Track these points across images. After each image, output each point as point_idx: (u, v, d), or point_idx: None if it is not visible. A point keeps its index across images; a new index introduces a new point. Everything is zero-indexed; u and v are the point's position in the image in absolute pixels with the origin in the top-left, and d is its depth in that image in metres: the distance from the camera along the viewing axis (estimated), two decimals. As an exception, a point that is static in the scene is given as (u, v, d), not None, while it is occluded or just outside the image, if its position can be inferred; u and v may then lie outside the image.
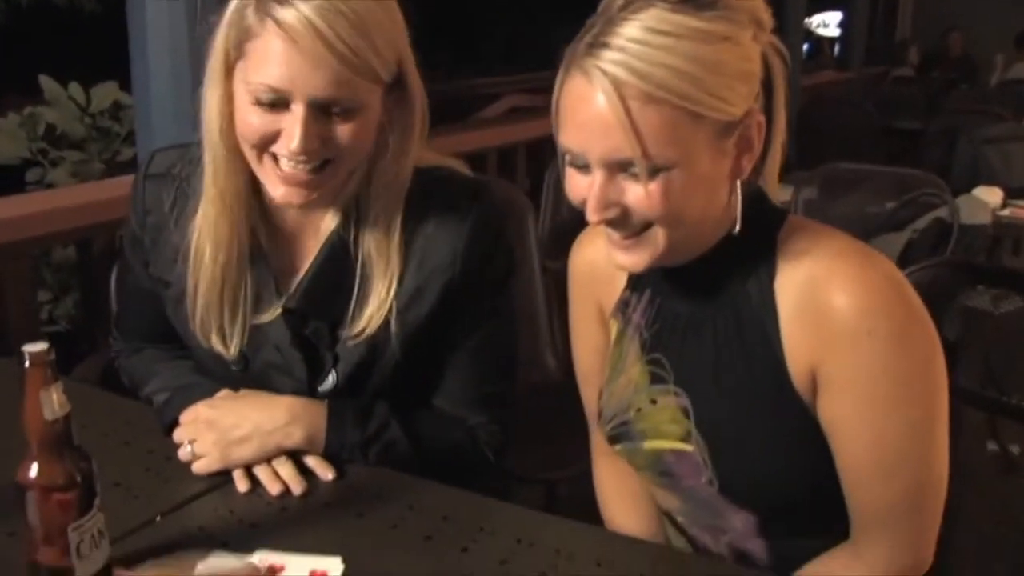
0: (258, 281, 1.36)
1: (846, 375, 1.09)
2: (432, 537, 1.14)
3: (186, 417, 1.33)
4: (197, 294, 1.34)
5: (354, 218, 1.34)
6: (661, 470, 1.25)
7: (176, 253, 1.38)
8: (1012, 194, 3.69)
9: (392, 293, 1.32)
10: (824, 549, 1.19)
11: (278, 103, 1.19)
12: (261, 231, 1.35)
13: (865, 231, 2.99)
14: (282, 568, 0.96)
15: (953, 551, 1.36)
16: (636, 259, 1.14)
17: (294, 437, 1.29)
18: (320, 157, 1.22)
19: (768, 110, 1.14)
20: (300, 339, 1.37)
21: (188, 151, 1.39)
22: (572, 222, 1.30)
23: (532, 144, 4.16)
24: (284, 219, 1.37)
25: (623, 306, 1.31)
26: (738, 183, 1.12)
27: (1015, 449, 3.07)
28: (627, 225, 1.10)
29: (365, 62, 1.19)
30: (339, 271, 1.34)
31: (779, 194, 1.20)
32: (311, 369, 1.38)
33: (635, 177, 1.06)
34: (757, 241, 1.16)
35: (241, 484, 1.27)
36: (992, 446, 3.02)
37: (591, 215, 1.09)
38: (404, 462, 1.32)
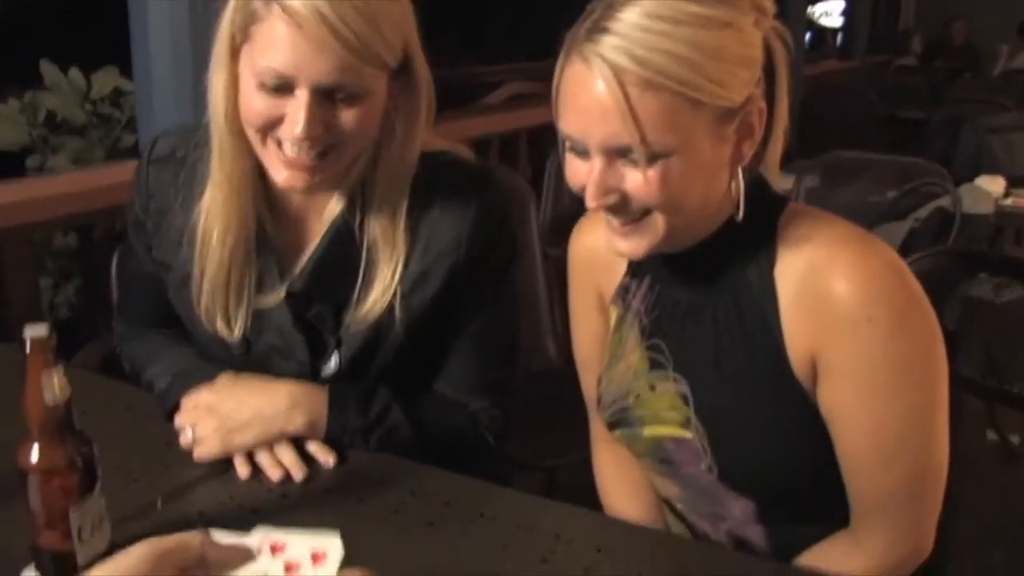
0: (262, 265, 1.36)
1: (846, 362, 1.09)
2: (433, 522, 1.14)
3: (187, 403, 1.33)
4: (204, 277, 1.34)
5: (359, 203, 1.33)
6: (661, 457, 1.25)
7: (180, 236, 1.38)
8: (1015, 183, 3.69)
9: (397, 278, 1.32)
10: (823, 536, 1.19)
11: (282, 88, 1.19)
12: (265, 215, 1.35)
13: (867, 220, 2.99)
14: (283, 547, 0.96)
15: (953, 539, 1.36)
16: (635, 245, 1.14)
17: (295, 422, 1.29)
18: (323, 143, 1.22)
19: (770, 96, 1.13)
20: (303, 323, 1.37)
21: (191, 134, 1.39)
22: (573, 210, 1.30)
23: (534, 132, 4.15)
24: (288, 203, 1.37)
25: (623, 292, 1.31)
26: (739, 169, 1.12)
27: (1015, 439, 3.07)
28: (626, 211, 1.10)
29: (370, 48, 1.19)
30: (344, 255, 1.34)
31: (781, 182, 1.20)
32: (313, 353, 1.38)
33: (634, 163, 1.06)
34: (757, 228, 1.15)
35: (242, 470, 1.27)
36: (992, 436, 3.02)
37: (590, 201, 1.09)
38: (405, 447, 1.32)
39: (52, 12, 9.20)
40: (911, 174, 3.18)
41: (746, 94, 1.07)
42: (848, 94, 7.05)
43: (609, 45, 1.03)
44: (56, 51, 5.13)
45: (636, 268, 1.29)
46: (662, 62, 1.01)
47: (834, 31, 11.84)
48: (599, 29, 1.04)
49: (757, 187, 1.17)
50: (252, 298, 1.36)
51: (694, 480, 1.23)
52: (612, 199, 1.09)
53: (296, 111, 1.18)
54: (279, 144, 1.23)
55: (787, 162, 1.20)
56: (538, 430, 1.87)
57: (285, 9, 1.16)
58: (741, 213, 1.13)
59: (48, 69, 4.96)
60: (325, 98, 1.20)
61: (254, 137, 1.24)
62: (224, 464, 1.28)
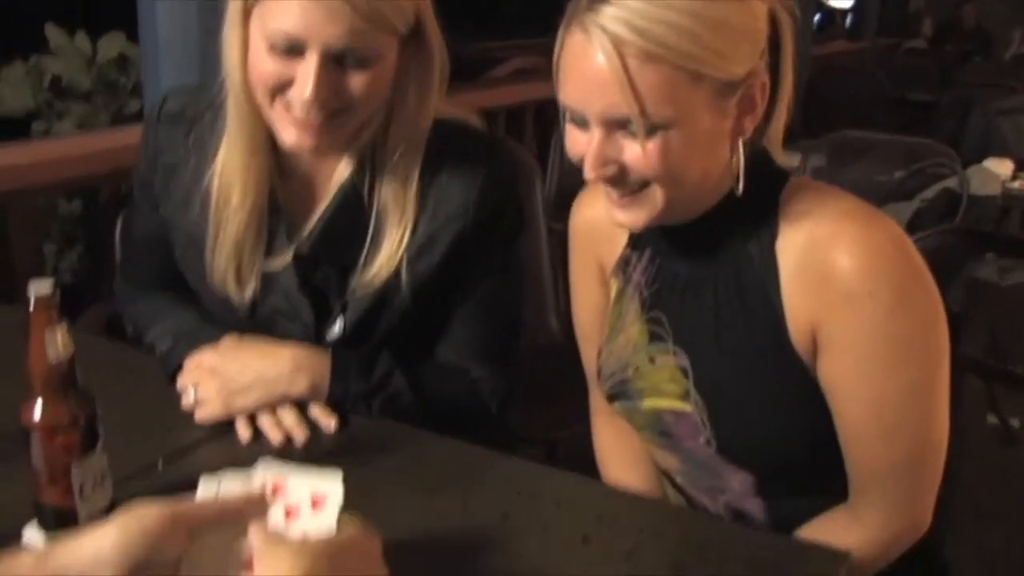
0: (271, 227, 1.36)
1: (846, 336, 1.09)
2: (434, 488, 1.14)
3: (189, 364, 1.34)
4: (219, 239, 1.35)
5: (369, 167, 1.33)
6: (660, 430, 1.25)
7: (188, 195, 1.38)
8: (1023, 166, 3.67)
9: (405, 243, 1.32)
10: (822, 510, 1.19)
11: (292, 50, 1.18)
12: (276, 177, 1.35)
13: (873, 200, 2.95)
14: (284, 488, 0.97)
15: (951, 519, 1.36)
16: (634, 217, 1.13)
17: (298, 386, 1.29)
18: (332, 106, 1.22)
19: (775, 69, 1.12)
20: (309, 286, 1.37)
21: (201, 93, 1.39)
22: (578, 185, 1.30)
23: (540, 106, 4.14)
24: (298, 166, 1.37)
25: (623, 264, 1.30)
26: (740, 143, 1.11)
27: (1015, 422, 3.07)
28: (625, 183, 1.10)
29: (381, 13, 1.18)
30: (352, 219, 1.34)
31: (787, 160, 1.19)
32: (318, 316, 1.38)
33: (633, 135, 1.05)
34: (759, 201, 1.15)
35: (243, 432, 1.27)
36: (992, 419, 3.02)
37: (588, 172, 1.09)
38: (407, 413, 1.32)
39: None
40: (919, 155, 3.17)
41: (749, 67, 1.06)
42: (857, 75, 6.99)
43: (609, 15, 1.02)
44: (62, 15, 5.11)
45: (637, 240, 1.29)
46: (662, 33, 1.01)
47: (844, 12, 11.76)
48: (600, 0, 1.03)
49: (760, 161, 1.16)
50: (263, 260, 1.36)
51: (693, 453, 1.23)
52: (610, 171, 1.08)
53: (306, 74, 1.18)
54: (287, 105, 1.22)
55: (793, 142, 1.19)
56: (539, 403, 1.88)
57: None
58: (740, 187, 1.12)
59: (53, 33, 4.93)
60: (335, 62, 1.19)
61: (263, 99, 1.24)
62: (225, 426, 1.28)
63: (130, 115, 4.75)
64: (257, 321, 1.39)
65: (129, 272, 1.60)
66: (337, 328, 1.38)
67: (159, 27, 2.49)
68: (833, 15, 11.59)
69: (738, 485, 1.22)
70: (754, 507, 1.23)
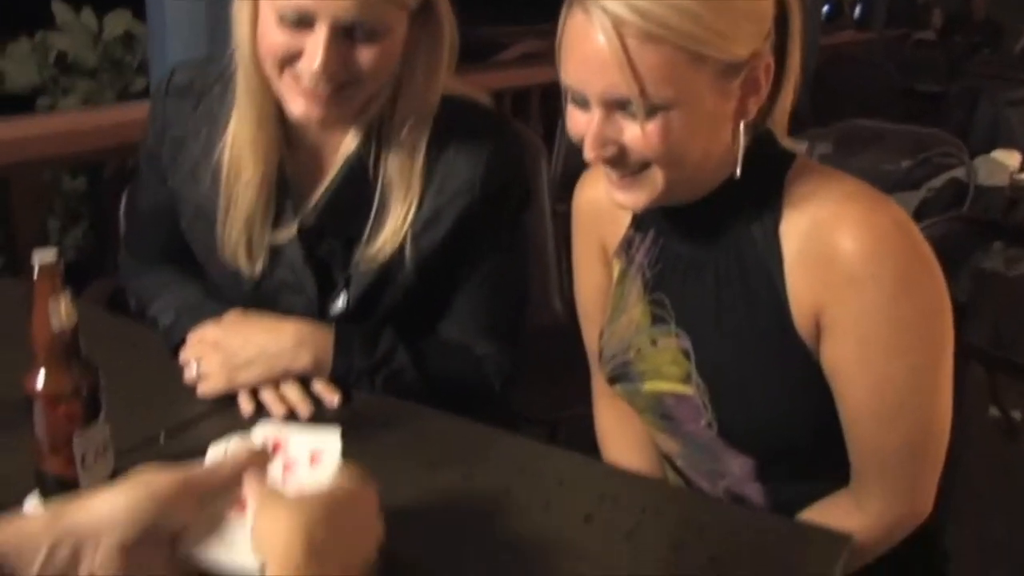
0: (278, 200, 1.36)
1: (849, 320, 1.08)
2: (436, 464, 1.14)
3: (192, 338, 1.33)
4: (230, 212, 1.35)
5: (375, 140, 1.33)
6: (661, 412, 1.25)
7: (196, 168, 1.38)
8: (1032, 157, 3.65)
9: (410, 217, 1.32)
10: (822, 495, 1.19)
11: (302, 23, 1.18)
12: (284, 150, 1.35)
13: (880, 188, 2.96)
14: (282, 445, 0.97)
15: (952, 508, 1.36)
16: (634, 198, 1.12)
17: (301, 361, 1.29)
18: (341, 78, 1.22)
19: (781, 51, 1.11)
20: (313, 259, 1.37)
21: (209, 66, 1.39)
22: (583, 167, 1.29)
23: (546, 89, 4.13)
24: (305, 138, 1.36)
25: (626, 245, 1.30)
26: (741, 125, 1.10)
27: (1017, 415, 3.07)
28: (625, 164, 1.09)
29: None
30: (357, 191, 1.34)
31: (791, 142, 1.18)
32: (322, 289, 1.38)
33: (633, 116, 1.04)
34: (763, 184, 1.14)
35: (246, 406, 1.27)
36: (994, 411, 3.02)
37: (588, 152, 1.08)
38: (410, 389, 1.32)
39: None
40: (926, 144, 3.15)
41: (752, 48, 1.05)
42: (865, 65, 6.96)
43: None
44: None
45: (640, 221, 1.28)
46: (663, 14, 1.00)
47: (852, 2, 11.70)
48: None
49: (764, 143, 1.15)
50: (271, 233, 1.36)
51: (694, 436, 1.23)
52: (610, 151, 1.07)
53: (315, 47, 1.18)
54: (296, 77, 1.22)
55: (800, 130, 1.18)
56: (542, 384, 1.87)
57: None
58: (739, 170, 1.11)
59: (60, 9, 4.92)
60: (344, 35, 1.19)
61: (272, 70, 1.24)
62: (228, 400, 1.28)
63: (136, 93, 4.74)
64: (262, 294, 1.39)
65: (134, 245, 1.60)
66: (341, 302, 1.37)
67: (166, 4, 2.48)
68: (841, 5, 11.54)
69: (738, 469, 1.22)
70: (754, 492, 1.23)
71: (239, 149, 1.32)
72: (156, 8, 2.54)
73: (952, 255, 1.22)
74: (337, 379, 1.31)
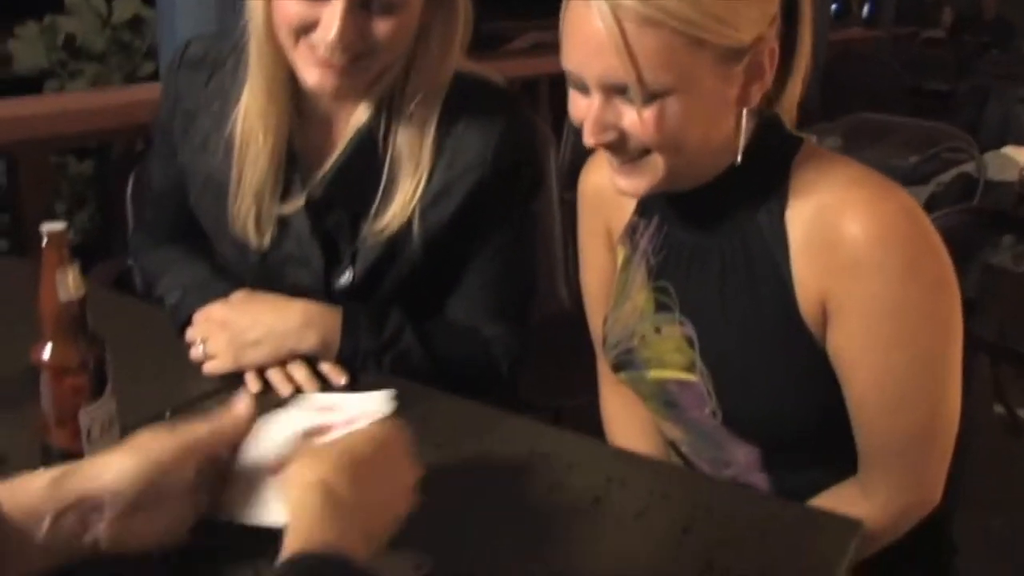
0: (287, 173, 1.36)
1: (854, 306, 1.07)
2: (442, 446, 1.13)
3: (199, 317, 1.33)
4: (241, 183, 1.35)
5: (386, 114, 1.33)
6: (665, 400, 1.24)
7: (206, 140, 1.38)
8: (1042, 153, 3.63)
9: (419, 191, 1.32)
10: (828, 484, 1.18)
11: None
12: (294, 122, 1.35)
13: (888, 182, 2.94)
14: (336, 406, 0.99)
15: (961, 501, 1.36)
16: (635, 184, 1.11)
17: (308, 341, 1.29)
18: (356, 49, 1.21)
19: (791, 35, 1.10)
20: (320, 231, 1.37)
21: (223, 39, 1.39)
22: (591, 154, 1.28)
23: (555, 78, 4.13)
24: (316, 109, 1.36)
25: (631, 231, 1.29)
26: (744, 112, 1.09)
27: (1022, 413, 3.06)
28: (624, 150, 1.08)
29: None
30: (366, 163, 1.34)
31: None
32: (328, 263, 1.38)
33: (632, 101, 1.03)
34: (769, 170, 1.13)
35: (253, 385, 1.26)
36: (999, 408, 3.01)
37: (587, 138, 1.07)
38: (417, 371, 1.32)
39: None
40: (935, 139, 3.14)
41: (756, 33, 1.03)
42: (873, 62, 6.95)
43: None
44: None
45: (645, 207, 1.27)
46: None
47: (860, 0, 11.67)
48: None
49: (771, 129, 1.14)
50: (279, 206, 1.36)
51: (698, 424, 1.22)
52: (610, 136, 1.06)
53: (331, 17, 1.17)
54: (311, 46, 1.22)
55: (808, 125, 1.17)
56: (547, 371, 1.87)
57: None
58: (740, 157, 1.10)
59: (69, -8, 4.91)
60: (361, 5, 1.19)
61: (286, 39, 1.24)
62: (234, 378, 1.27)
63: (143, 77, 4.74)
64: (268, 267, 1.39)
65: (143, 222, 1.61)
66: (347, 276, 1.37)
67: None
68: (849, 3, 11.50)
69: (743, 458, 1.21)
70: (759, 481, 1.22)
71: (250, 121, 1.32)
72: (166, -9, 2.54)
73: (961, 249, 1.20)
74: (344, 360, 1.30)
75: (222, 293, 1.35)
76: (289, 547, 0.75)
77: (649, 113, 1.02)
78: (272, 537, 0.80)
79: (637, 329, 1.25)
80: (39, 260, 0.94)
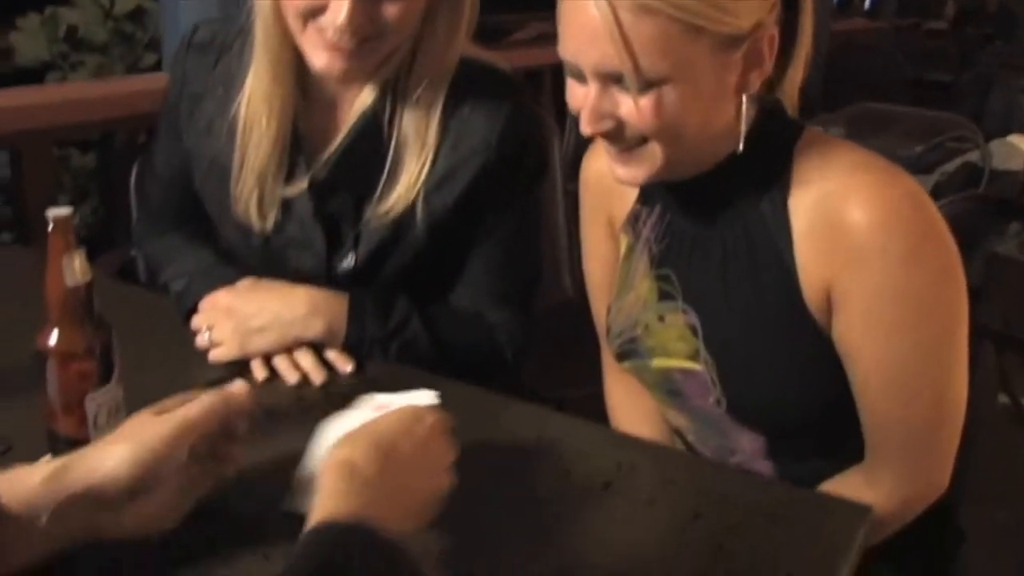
0: (291, 156, 1.35)
1: (858, 293, 1.06)
2: (452, 433, 1.13)
3: (205, 304, 1.33)
4: (244, 166, 1.34)
5: (391, 97, 1.32)
6: (669, 388, 1.24)
7: (211, 124, 1.38)
8: (1047, 142, 3.61)
9: (423, 175, 1.31)
10: (834, 473, 1.17)
11: None
12: (299, 104, 1.35)
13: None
14: (384, 407, 1.00)
15: (967, 489, 1.35)
16: (634, 173, 1.11)
17: (314, 329, 1.28)
18: (365, 32, 1.21)
19: (792, 21, 1.08)
20: (323, 214, 1.37)
21: (232, 22, 1.39)
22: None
23: (558, 68, 4.10)
24: (322, 92, 1.36)
25: (633, 220, 1.28)
26: (743, 99, 1.07)
27: (1027, 401, 3.05)
28: (622, 138, 1.07)
29: None
30: (371, 146, 1.33)
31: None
32: (330, 246, 1.37)
33: (629, 90, 1.02)
34: (772, 156, 1.12)
35: (259, 373, 1.26)
36: (1003, 398, 3.00)
37: (584, 127, 1.06)
38: (423, 358, 1.31)
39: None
40: (940, 128, 3.12)
41: (755, 20, 1.02)
42: (875, 53, 6.93)
43: None
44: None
45: (647, 195, 1.26)
46: None
47: (863, -9, 11.63)
48: None
49: (773, 114, 1.13)
50: (283, 189, 1.35)
51: (703, 412, 1.22)
52: (607, 125, 1.05)
53: (340, 1, 1.17)
54: (320, 30, 1.21)
55: (810, 116, 1.16)
56: (551, 360, 1.87)
57: None
58: (741, 145, 1.09)
59: (71, -17, 4.89)
60: None
61: (294, 22, 1.23)
62: (240, 366, 1.27)
63: (145, 68, 4.73)
64: (271, 250, 1.39)
65: (147, 209, 1.60)
66: (349, 260, 1.37)
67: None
68: (851, -5, 11.47)
69: (748, 446, 1.21)
70: (764, 469, 1.22)
71: (255, 104, 1.32)
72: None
73: (967, 237, 1.19)
74: (350, 347, 1.30)
75: (228, 280, 1.35)
76: (312, 521, 0.76)
77: (646, 101, 1.01)
78: (278, 521, 0.80)
79: (640, 318, 1.25)
80: (44, 247, 0.94)
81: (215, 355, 1.28)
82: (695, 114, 1.04)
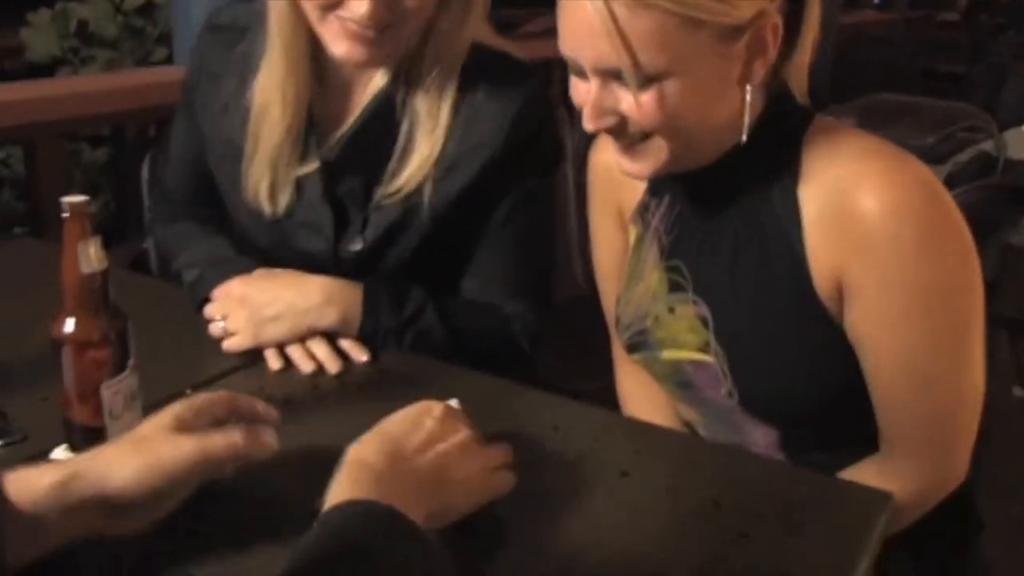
0: (305, 139, 1.35)
1: (870, 283, 1.05)
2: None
3: (218, 293, 1.33)
4: (256, 151, 1.35)
5: (404, 79, 1.32)
6: (680, 380, 1.23)
7: (226, 106, 1.39)
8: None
9: (435, 155, 1.31)
10: (847, 464, 1.16)
11: None
12: (314, 89, 1.35)
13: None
14: None
15: (984, 480, 1.34)
16: (640, 167, 1.10)
17: (328, 318, 1.28)
18: (386, 21, 1.20)
19: (796, 9, 1.07)
20: (332, 195, 1.36)
21: (252, 6, 1.38)
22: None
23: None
24: (337, 75, 1.36)
25: (643, 210, 1.27)
26: (748, 89, 1.06)
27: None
28: (625, 134, 1.06)
29: None
30: (383, 128, 1.33)
31: (808, 100, 1.14)
32: (339, 228, 1.37)
33: (628, 86, 1.01)
34: (780, 145, 1.11)
35: (273, 362, 1.26)
36: (1018, 392, 2.99)
37: (586, 123, 1.05)
38: (438, 348, 1.31)
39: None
40: (953, 118, 3.10)
41: (756, 9, 1.00)
42: (886, 44, 6.90)
43: None
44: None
45: (656, 186, 1.25)
46: None
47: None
48: None
49: (781, 102, 1.11)
50: (295, 171, 1.35)
51: (714, 404, 1.21)
52: (609, 121, 1.04)
53: None
54: (341, 19, 1.21)
55: (820, 108, 1.15)
56: (565, 352, 1.86)
57: None
58: (744, 136, 1.08)
59: (82, -22, 4.89)
60: None
61: (313, 13, 1.23)
62: (254, 355, 1.27)
63: (156, 63, 4.71)
64: (282, 232, 1.39)
65: (163, 192, 1.61)
66: (356, 243, 1.36)
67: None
68: (862, -14, 11.42)
69: (761, 439, 1.20)
70: None
71: (268, 93, 1.32)
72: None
73: (981, 227, 1.18)
74: (365, 337, 1.29)
75: (241, 270, 1.35)
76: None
77: (646, 97, 1.00)
78: (294, 510, 0.80)
79: (650, 310, 1.24)
80: (58, 240, 0.94)
81: (229, 344, 1.28)
82: (698, 107, 1.03)
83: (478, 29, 1.32)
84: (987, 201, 1.80)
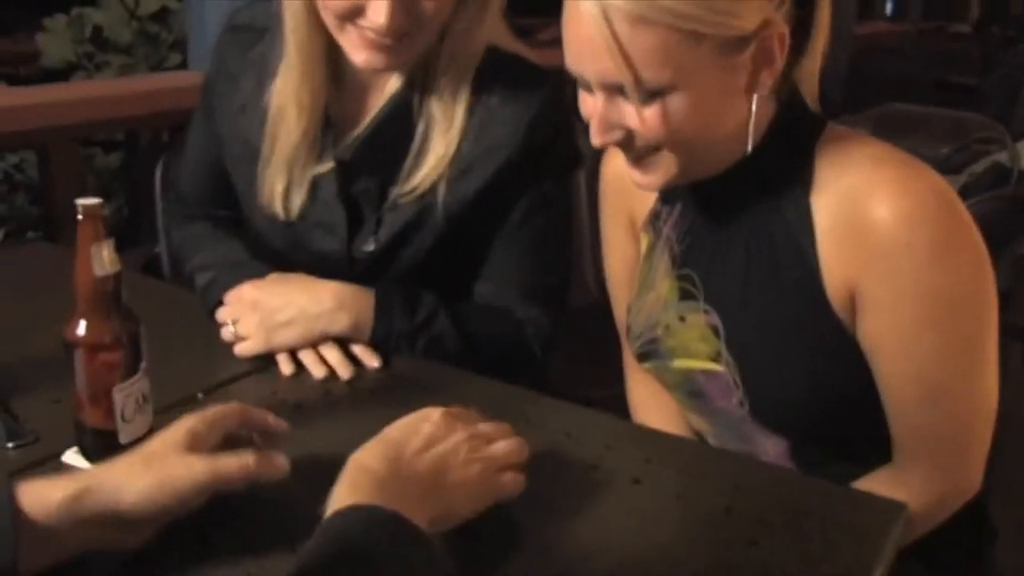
0: (321, 141, 1.36)
1: (884, 292, 1.04)
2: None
3: (231, 297, 1.33)
4: (273, 154, 1.35)
5: (420, 82, 1.32)
6: (691, 390, 1.22)
7: (243, 107, 1.39)
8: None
9: (450, 155, 1.31)
10: (858, 476, 1.15)
11: None
12: (331, 91, 1.35)
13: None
14: None
15: (998, 489, 1.33)
16: (650, 179, 1.10)
17: (340, 323, 1.28)
18: (404, 29, 1.21)
19: (805, 17, 1.06)
20: (347, 195, 1.36)
21: (270, 7, 1.39)
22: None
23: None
24: (354, 79, 1.36)
25: (654, 219, 1.27)
26: (755, 98, 1.05)
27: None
28: (633, 148, 1.06)
29: None
30: (398, 129, 1.33)
31: (819, 107, 1.14)
32: (352, 229, 1.37)
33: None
34: (792, 153, 1.10)
35: (285, 367, 1.26)
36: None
37: (594, 138, 1.05)
38: (451, 354, 1.31)
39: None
40: (967, 129, 3.09)
41: (760, 19, 0.99)
42: (899, 55, 6.89)
43: None
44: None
45: (668, 194, 1.24)
46: None
47: (884, -3, 11.57)
48: None
49: (792, 109, 1.11)
50: (310, 173, 1.36)
51: (725, 414, 1.20)
52: (616, 136, 1.04)
53: (380, 1, 1.17)
54: (360, 29, 1.22)
55: (833, 119, 1.14)
56: (577, 360, 1.86)
57: None
58: (750, 145, 1.08)
59: (97, -16, 4.92)
60: None
61: (332, 22, 1.24)
62: (266, 360, 1.27)
63: (170, 69, 4.74)
64: (297, 233, 1.39)
65: (177, 194, 1.61)
66: (370, 244, 1.37)
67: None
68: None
69: (772, 450, 1.20)
70: None
71: (285, 97, 1.33)
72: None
73: (995, 238, 1.17)
74: (377, 342, 1.29)
75: (254, 274, 1.35)
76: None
77: (651, 112, 1.00)
78: (305, 516, 0.80)
79: (661, 318, 1.23)
80: (72, 244, 0.94)
81: (241, 349, 1.28)
82: (704, 119, 1.02)
83: (495, 31, 1.32)
84: (1001, 212, 1.79)
